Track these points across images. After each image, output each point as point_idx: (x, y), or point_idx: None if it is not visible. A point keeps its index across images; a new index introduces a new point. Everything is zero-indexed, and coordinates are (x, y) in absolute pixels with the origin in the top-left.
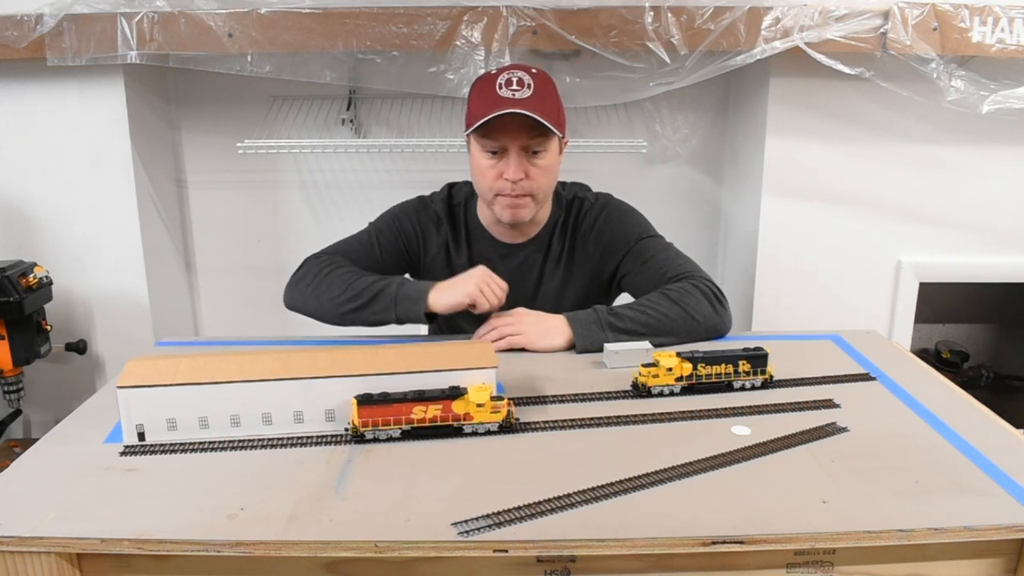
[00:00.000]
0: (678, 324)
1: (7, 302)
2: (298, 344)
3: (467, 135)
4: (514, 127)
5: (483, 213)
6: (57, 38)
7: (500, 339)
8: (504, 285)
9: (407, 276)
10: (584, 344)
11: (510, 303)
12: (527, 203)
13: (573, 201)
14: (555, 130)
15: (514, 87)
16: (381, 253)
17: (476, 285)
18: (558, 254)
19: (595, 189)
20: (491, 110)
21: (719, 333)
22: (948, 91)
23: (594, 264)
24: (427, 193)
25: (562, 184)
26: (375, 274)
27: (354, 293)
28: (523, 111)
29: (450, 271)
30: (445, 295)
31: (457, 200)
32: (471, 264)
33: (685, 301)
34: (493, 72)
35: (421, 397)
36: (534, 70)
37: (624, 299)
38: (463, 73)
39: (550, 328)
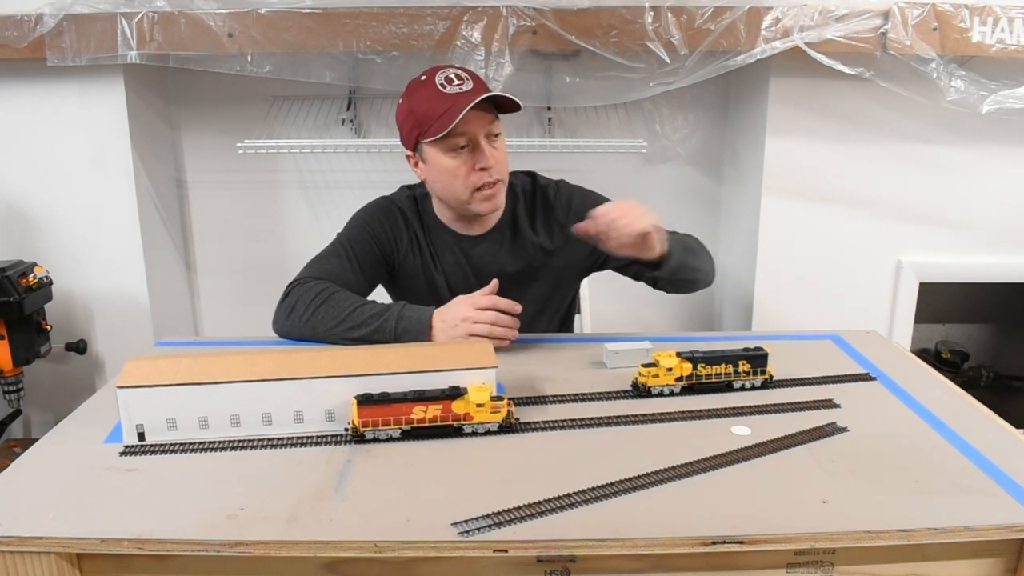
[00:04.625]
0: (705, 257)
1: (7, 302)
2: (298, 344)
3: (426, 144)
4: (474, 118)
5: (440, 210)
6: (57, 38)
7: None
8: (488, 303)
9: (395, 293)
10: (664, 245)
11: (477, 288)
12: (500, 188)
13: (536, 187)
14: (519, 101)
15: (456, 83)
16: (361, 270)
17: (468, 332)
18: (524, 240)
19: (596, 190)
20: (452, 108)
21: (711, 279)
22: (948, 91)
23: (571, 244)
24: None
25: (513, 173)
26: (368, 300)
27: (353, 324)
28: (493, 93)
29: (424, 270)
30: (443, 337)
31: (419, 197)
32: (435, 260)
33: (699, 244)
34: (423, 79)
35: (421, 397)
36: (458, 65)
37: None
38: None
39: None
